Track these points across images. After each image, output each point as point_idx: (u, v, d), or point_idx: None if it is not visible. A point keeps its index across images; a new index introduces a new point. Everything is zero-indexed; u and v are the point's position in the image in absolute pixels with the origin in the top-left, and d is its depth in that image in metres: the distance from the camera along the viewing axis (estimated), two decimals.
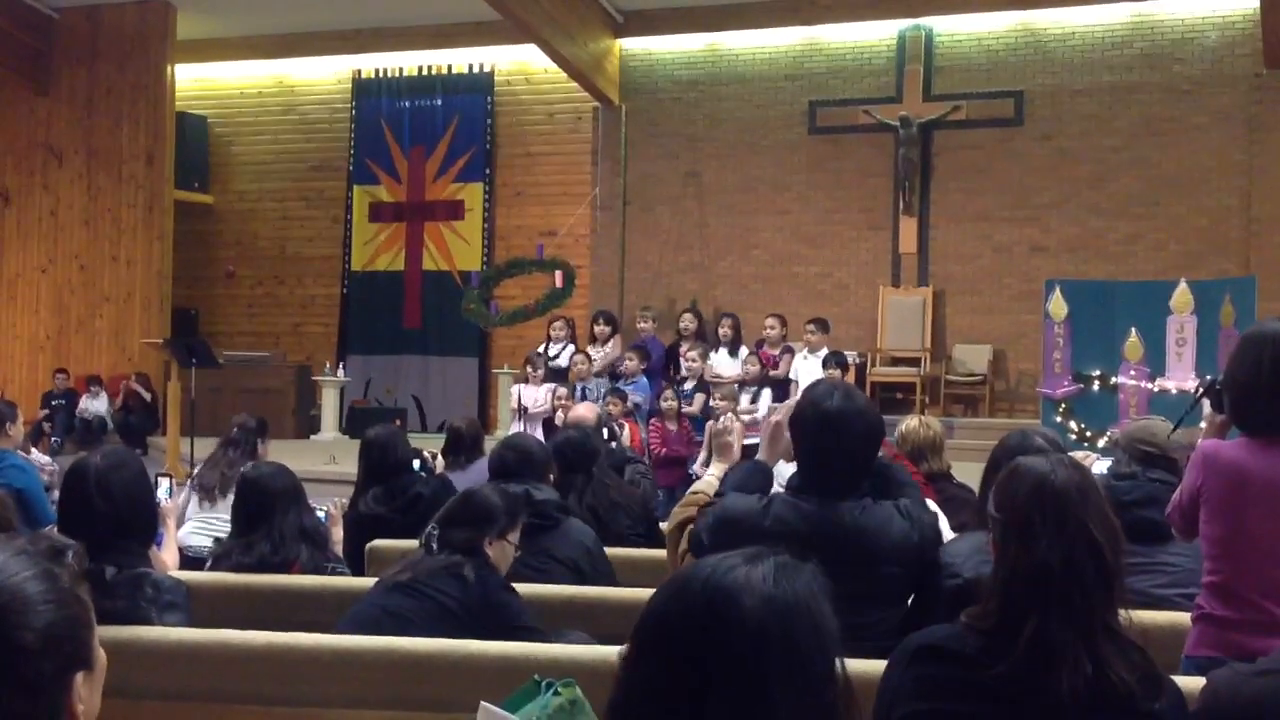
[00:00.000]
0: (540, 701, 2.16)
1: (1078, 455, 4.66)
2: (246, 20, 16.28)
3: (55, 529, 3.93)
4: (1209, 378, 3.72)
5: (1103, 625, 2.11)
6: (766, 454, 3.61)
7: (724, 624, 1.56)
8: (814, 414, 3.25)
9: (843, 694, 1.62)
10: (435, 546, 3.70)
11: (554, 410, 9.97)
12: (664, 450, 9.45)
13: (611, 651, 1.64)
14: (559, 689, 2.17)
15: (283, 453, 8.77)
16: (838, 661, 1.62)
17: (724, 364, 10.91)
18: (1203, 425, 3.63)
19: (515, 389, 10.78)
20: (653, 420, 9.88)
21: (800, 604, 1.59)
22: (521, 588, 3.99)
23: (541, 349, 11.53)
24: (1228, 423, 3.41)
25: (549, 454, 4.97)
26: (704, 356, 10.74)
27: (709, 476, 3.80)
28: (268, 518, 4.45)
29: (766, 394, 10.20)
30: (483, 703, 2.09)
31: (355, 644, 3.23)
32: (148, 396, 14.96)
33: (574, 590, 4.00)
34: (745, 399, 10.05)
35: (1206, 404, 3.51)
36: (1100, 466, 4.50)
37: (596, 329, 11.66)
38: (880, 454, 3.46)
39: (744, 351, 10.97)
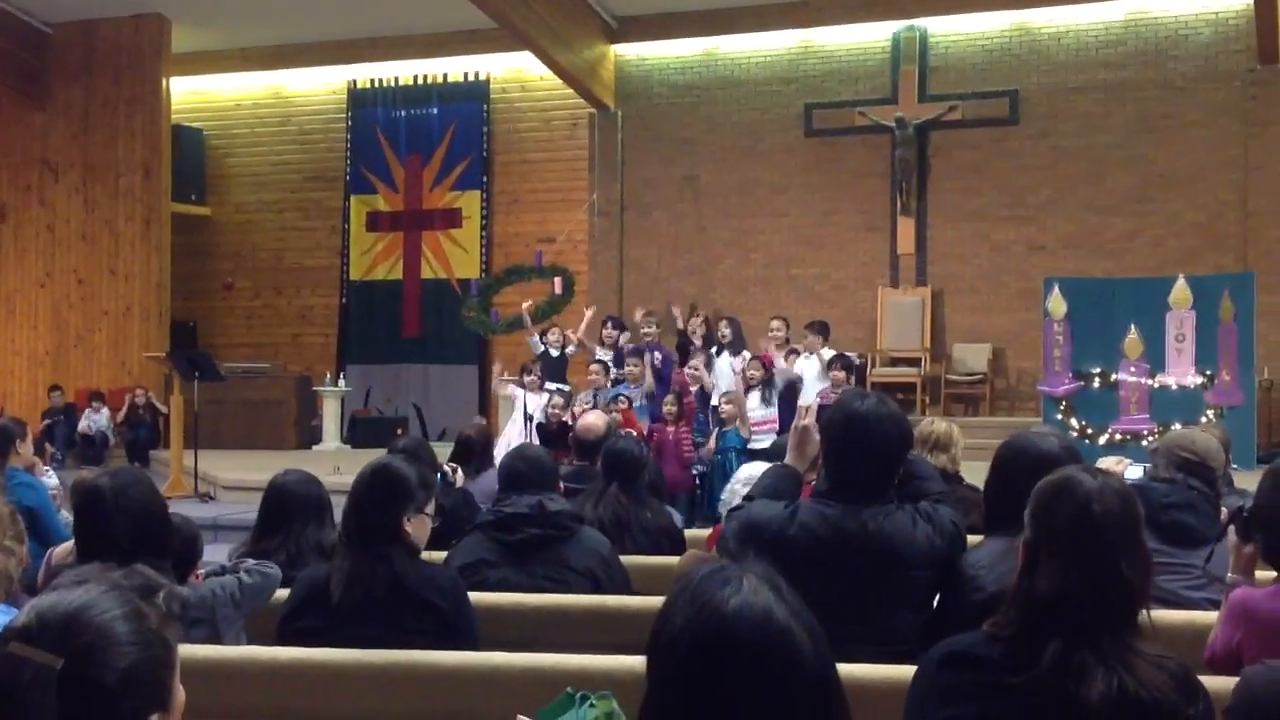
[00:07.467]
0: (575, 714, 2.17)
1: (1110, 461, 4.68)
2: (241, 33, 16.31)
3: (73, 546, 3.92)
4: (1239, 505, 3.45)
5: (1124, 645, 2.11)
6: (795, 458, 3.59)
7: (720, 649, 1.57)
8: (843, 417, 3.26)
9: (839, 703, 1.64)
10: (354, 534, 3.46)
11: (547, 419, 9.93)
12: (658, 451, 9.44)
13: (642, 662, 1.65)
14: (594, 701, 2.18)
15: (287, 464, 8.73)
16: (830, 668, 1.64)
17: (725, 374, 10.78)
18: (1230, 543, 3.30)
19: (519, 395, 10.61)
20: (653, 425, 9.87)
21: (789, 620, 1.60)
22: (540, 598, 4.00)
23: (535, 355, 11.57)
24: (1255, 555, 3.20)
25: (557, 464, 4.95)
26: (707, 366, 10.61)
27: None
28: (286, 527, 4.34)
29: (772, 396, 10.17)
30: (519, 716, 2.10)
31: (380, 658, 3.23)
32: (165, 409, 14.36)
33: (592, 600, 3.99)
34: (755, 396, 10.04)
35: (1232, 532, 3.29)
36: (1133, 473, 4.50)
37: (605, 333, 11.56)
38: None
39: (746, 355, 10.89)
